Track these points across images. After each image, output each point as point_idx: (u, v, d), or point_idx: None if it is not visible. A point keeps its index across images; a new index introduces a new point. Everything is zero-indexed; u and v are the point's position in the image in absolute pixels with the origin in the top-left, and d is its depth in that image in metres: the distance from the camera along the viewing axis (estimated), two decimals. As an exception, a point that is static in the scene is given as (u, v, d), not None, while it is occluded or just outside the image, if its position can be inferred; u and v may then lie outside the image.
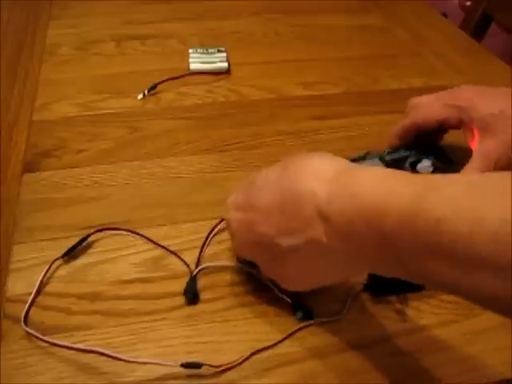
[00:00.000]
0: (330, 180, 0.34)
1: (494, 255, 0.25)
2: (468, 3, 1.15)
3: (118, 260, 0.45)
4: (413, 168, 0.50)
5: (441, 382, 0.37)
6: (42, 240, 0.46)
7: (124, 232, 0.46)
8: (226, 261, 0.45)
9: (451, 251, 0.27)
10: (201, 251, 0.45)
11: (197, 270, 0.43)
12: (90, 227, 0.47)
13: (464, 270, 0.27)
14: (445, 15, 0.95)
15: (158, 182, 0.53)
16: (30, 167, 0.54)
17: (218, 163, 0.56)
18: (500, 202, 0.26)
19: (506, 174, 0.27)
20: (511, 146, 0.48)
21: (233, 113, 0.64)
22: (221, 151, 0.58)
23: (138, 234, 0.46)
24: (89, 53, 0.76)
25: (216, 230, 0.46)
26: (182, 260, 0.44)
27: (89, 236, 0.45)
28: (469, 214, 0.26)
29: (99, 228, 0.46)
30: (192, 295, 0.41)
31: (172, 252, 0.45)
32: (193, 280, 0.42)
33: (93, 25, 0.83)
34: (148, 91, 0.65)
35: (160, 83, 0.67)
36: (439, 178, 0.30)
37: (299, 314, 0.40)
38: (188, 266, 0.44)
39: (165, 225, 0.48)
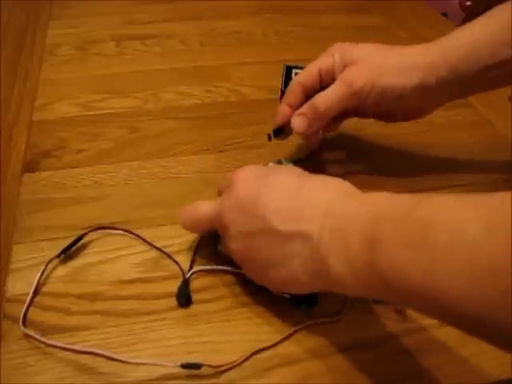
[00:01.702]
0: (343, 192, 0.37)
1: (472, 255, 0.26)
2: (468, 3, 1.15)
3: (118, 260, 0.45)
4: None
5: (441, 382, 0.37)
6: (42, 240, 0.46)
7: (121, 232, 0.46)
8: (222, 266, 0.44)
9: (432, 250, 0.28)
10: (194, 253, 0.45)
11: (189, 274, 0.43)
12: (90, 227, 0.47)
13: (441, 270, 0.27)
14: (445, 15, 0.95)
15: (158, 181, 0.53)
16: (30, 167, 0.54)
17: (218, 163, 0.56)
18: (485, 212, 0.27)
19: (493, 193, 0.28)
20: (371, 67, 0.48)
21: (233, 113, 0.64)
22: (221, 151, 0.58)
23: (134, 234, 0.46)
24: (89, 53, 0.76)
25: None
26: (175, 262, 0.44)
27: (84, 235, 0.45)
28: (453, 218, 0.28)
29: (94, 227, 0.46)
30: (185, 299, 0.41)
31: (166, 254, 0.45)
32: (185, 283, 0.42)
33: (93, 25, 0.83)
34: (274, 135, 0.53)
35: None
36: (430, 194, 0.32)
37: (303, 306, 0.40)
38: (181, 268, 0.43)
39: (164, 225, 0.48)
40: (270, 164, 0.52)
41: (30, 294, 0.41)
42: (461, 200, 0.29)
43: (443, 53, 0.48)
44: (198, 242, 0.46)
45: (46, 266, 0.43)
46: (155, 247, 0.45)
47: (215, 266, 0.44)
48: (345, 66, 0.49)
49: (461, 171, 0.55)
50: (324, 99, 0.48)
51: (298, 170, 0.41)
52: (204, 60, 0.75)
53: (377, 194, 0.35)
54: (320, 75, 0.50)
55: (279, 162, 0.53)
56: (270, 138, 0.52)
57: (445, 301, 0.27)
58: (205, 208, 0.43)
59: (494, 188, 0.53)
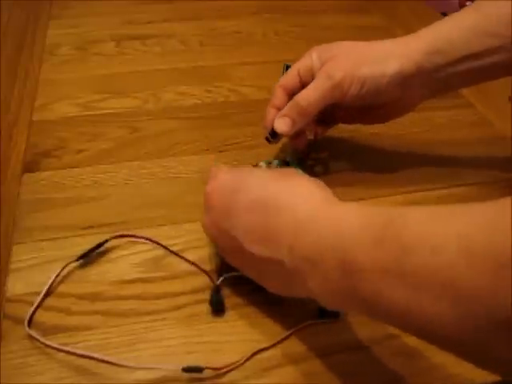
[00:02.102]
0: (315, 202, 0.35)
1: (451, 284, 0.25)
2: (468, 3, 1.15)
3: (119, 260, 0.45)
4: None
5: (440, 382, 0.37)
6: (42, 240, 0.46)
7: (143, 240, 0.45)
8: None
9: (412, 278, 0.27)
10: (222, 259, 0.43)
11: (220, 280, 0.42)
12: (90, 227, 0.47)
13: (421, 298, 0.26)
14: (445, 15, 0.95)
15: (158, 181, 0.53)
16: (30, 167, 0.54)
17: (218, 163, 0.56)
18: (459, 228, 0.26)
19: (465, 204, 0.27)
20: (352, 60, 0.48)
21: (233, 113, 0.64)
22: (221, 151, 0.58)
23: (156, 242, 0.45)
24: (89, 53, 0.76)
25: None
26: (203, 271, 0.43)
27: (105, 242, 0.45)
28: (429, 240, 0.26)
29: (116, 235, 0.45)
30: (219, 306, 0.41)
31: (195, 265, 0.43)
32: (217, 290, 0.41)
33: (93, 25, 0.83)
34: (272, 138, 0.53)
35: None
36: (402, 207, 0.31)
37: (326, 318, 0.40)
38: (210, 277, 0.42)
39: (165, 225, 0.48)
40: (261, 164, 0.52)
41: (41, 296, 0.41)
42: (435, 216, 0.28)
43: (423, 42, 0.47)
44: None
45: (61, 270, 0.43)
46: (186, 259, 0.44)
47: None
48: (323, 63, 0.49)
49: (461, 171, 0.55)
50: (305, 95, 0.48)
51: (270, 178, 0.39)
52: (204, 60, 0.75)
53: (347, 209, 0.33)
54: (299, 75, 0.50)
55: (269, 163, 0.53)
56: (269, 141, 0.52)
57: (428, 327, 0.27)
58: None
59: (494, 188, 0.53)
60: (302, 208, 0.35)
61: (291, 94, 0.50)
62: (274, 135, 0.51)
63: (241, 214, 0.37)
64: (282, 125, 0.49)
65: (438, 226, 0.27)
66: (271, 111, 0.51)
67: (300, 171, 0.43)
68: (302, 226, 0.34)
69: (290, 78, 0.51)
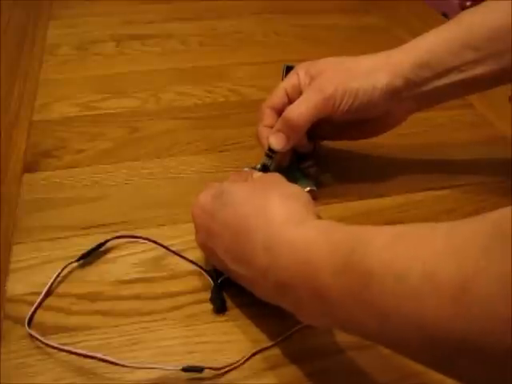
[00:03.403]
0: (279, 224, 0.35)
1: (415, 312, 0.25)
2: (468, 3, 1.15)
3: (119, 260, 0.45)
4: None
5: (439, 382, 0.37)
6: (42, 240, 0.46)
7: (143, 240, 0.45)
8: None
9: (379, 305, 0.27)
10: None
11: (220, 279, 0.42)
12: (90, 227, 0.47)
13: (389, 325, 0.26)
14: (445, 15, 0.95)
15: (158, 182, 0.53)
16: (29, 167, 0.54)
17: (218, 163, 0.56)
18: (424, 255, 0.25)
19: (432, 225, 0.27)
20: (340, 74, 0.48)
21: (233, 113, 0.64)
22: (221, 151, 0.58)
23: (157, 243, 0.44)
24: (89, 53, 0.76)
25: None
26: (205, 271, 0.43)
27: (105, 243, 0.45)
28: (394, 268, 0.26)
29: (115, 236, 0.45)
30: (220, 304, 0.41)
31: (200, 266, 0.43)
32: (217, 289, 0.42)
33: (93, 25, 0.83)
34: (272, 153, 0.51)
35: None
36: (369, 228, 0.30)
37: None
38: (212, 277, 0.42)
39: (165, 225, 0.48)
40: (245, 169, 0.51)
41: (41, 296, 0.41)
42: (400, 241, 0.27)
43: (409, 55, 0.48)
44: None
45: (61, 270, 0.43)
46: (186, 259, 0.44)
47: None
48: (311, 79, 0.49)
49: (461, 171, 0.55)
50: (296, 108, 0.48)
51: (244, 198, 0.38)
52: (204, 60, 0.75)
53: (314, 229, 0.33)
54: (287, 94, 0.50)
55: (254, 168, 0.52)
56: (271, 157, 0.50)
57: (401, 350, 0.28)
58: None
59: (493, 188, 0.53)
60: (269, 232, 0.35)
61: (280, 113, 0.49)
62: (272, 151, 0.50)
63: (220, 234, 0.38)
64: (277, 140, 0.49)
65: (402, 252, 0.26)
66: (263, 130, 0.51)
67: (283, 179, 0.41)
68: (271, 252, 0.34)
69: (278, 97, 0.51)
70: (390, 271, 0.26)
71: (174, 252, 0.44)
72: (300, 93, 0.49)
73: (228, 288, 0.42)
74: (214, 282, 0.42)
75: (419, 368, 0.37)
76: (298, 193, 0.38)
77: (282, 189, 0.39)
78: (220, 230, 0.38)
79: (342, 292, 0.29)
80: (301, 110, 0.47)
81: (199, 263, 0.44)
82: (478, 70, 0.47)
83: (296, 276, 0.32)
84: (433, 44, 0.48)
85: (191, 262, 0.43)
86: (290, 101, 0.50)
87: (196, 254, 0.45)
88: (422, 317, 0.24)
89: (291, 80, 0.51)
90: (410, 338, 0.26)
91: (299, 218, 0.35)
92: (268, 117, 0.51)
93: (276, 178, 0.42)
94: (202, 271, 0.43)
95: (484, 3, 0.49)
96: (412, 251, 0.26)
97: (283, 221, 0.35)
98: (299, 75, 0.50)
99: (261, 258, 0.34)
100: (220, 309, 0.41)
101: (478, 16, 0.48)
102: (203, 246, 0.42)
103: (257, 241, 0.35)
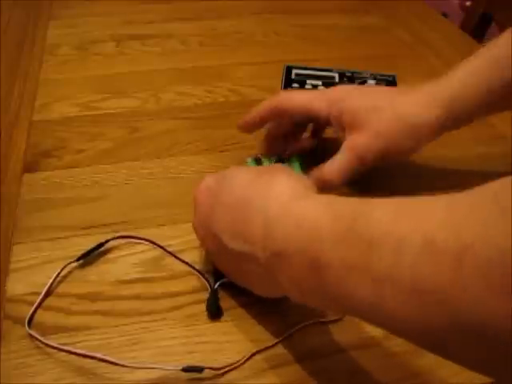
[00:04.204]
0: (282, 198, 0.35)
1: (411, 279, 0.25)
2: (468, 3, 1.15)
3: (118, 260, 0.45)
4: None
5: (439, 382, 0.37)
6: (42, 240, 0.46)
7: (144, 242, 0.45)
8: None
9: (375, 273, 0.27)
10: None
11: (217, 285, 0.42)
12: (90, 227, 0.47)
13: (384, 292, 0.26)
14: (445, 15, 0.95)
15: (158, 182, 0.53)
16: (29, 167, 0.54)
17: (218, 163, 0.56)
18: (424, 225, 0.25)
19: (434, 198, 0.27)
20: (382, 137, 0.48)
21: (233, 113, 0.64)
22: (221, 151, 0.58)
23: (157, 245, 0.45)
24: (89, 53, 0.76)
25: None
26: (201, 274, 0.43)
27: (105, 243, 0.45)
28: (394, 236, 0.26)
29: (115, 236, 0.45)
30: (215, 311, 0.40)
31: (196, 269, 0.43)
32: (214, 295, 0.41)
33: (93, 25, 0.83)
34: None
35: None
36: (371, 200, 0.30)
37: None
38: (208, 280, 0.42)
39: (164, 225, 0.48)
40: (248, 159, 0.53)
41: (41, 297, 0.41)
42: (401, 212, 0.28)
43: (443, 106, 0.48)
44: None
45: (61, 270, 0.43)
46: (184, 261, 0.44)
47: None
48: (341, 114, 0.49)
49: (460, 171, 0.55)
50: (329, 170, 0.49)
51: (251, 179, 0.39)
52: (204, 60, 0.75)
53: (315, 205, 0.33)
54: (303, 109, 0.51)
55: (257, 159, 0.53)
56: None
57: (394, 323, 0.27)
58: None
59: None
60: (272, 206, 0.35)
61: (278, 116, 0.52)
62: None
63: (221, 211, 0.38)
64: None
65: (403, 223, 0.27)
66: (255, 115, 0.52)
67: (286, 167, 0.42)
68: (272, 223, 0.34)
69: (296, 112, 0.51)
70: (390, 240, 0.26)
71: (171, 253, 0.44)
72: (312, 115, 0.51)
73: (226, 290, 0.42)
74: (210, 287, 0.42)
75: (420, 368, 0.37)
76: (302, 176, 0.39)
77: (286, 171, 0.39)
78: (222, 208, 0.38)
79: (340, 262, 0.29)
80: (335, 174, 0.48)
81: (198, 265, 0.44)
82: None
83: (295, 246, 0.32)
84: (462, 82, 0.48)
85: (188, 264, 0.44)
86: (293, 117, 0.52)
87: (195, 255, 0.45)
88: (417, 284, 0.24)
89: (314, 105, 0.50)
90: (404, 309, 0.25)
91: (302, 193, 0.36)
92: (265, 111, 0.52)
93: (280, 166, 0.42)
94: (199, 274, 0.43)
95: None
96: (413, 222, 0.26)
97: (286, 195, 0.35)
98: (325, 108, 0.50)
99: (260, 229, 0.35)
100: (215, 315, 0.40)
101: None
102: (200, 227, 0.42)
103: (258, 212, 0.35)
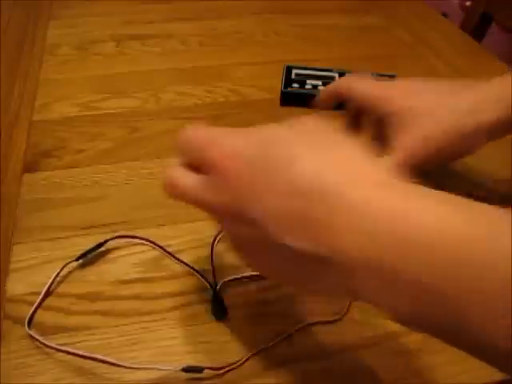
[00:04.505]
0: (366, 189, 0.27)
1: None
2: (468, 3, 1.15)
3: (118, 260, 0.45)
4: None
5: (439, 382, 0.37)
6: (42, 240, 0.46)
7: (143, 241, 0.45)
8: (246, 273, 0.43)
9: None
10: (212, 261, 0.43)
11: (219, 285, 0.42)
12: (90, 227, 0.47)
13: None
14: (445, 15, 0.95)
15: (158, 182, 0.53)
16: (29, 167, 0.54)
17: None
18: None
19: None
20: (429, 141, 0.47)
21: (233, 113, 0.64)
22: (221, 151, 0.58)
23: (156, 244, 0.45)
24: (89, 53, 0.76)
25: (219, 236, 0.45)
26: (201, 276, 0.43)
27: (104, 243, 0.45)
28: None
29: (115, 236, 0.45)
30: (221, 311, 0.40)
31: (196, 270, 0.43)
32: (216, 295, 0.41)
33: (93, 25, 0.83)
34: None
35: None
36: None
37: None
38: (208, 282, 0.42)
39: (164, 225, 0.48)
40: None
41: (41, 296, 0.41)
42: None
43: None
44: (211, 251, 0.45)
45: (61, 270, 0.43)
46: (183, 262, 0.44)
47: (242, 274, 0.42)
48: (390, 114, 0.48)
49: (460, 172, 0.55)
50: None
51: (304, 147, 0.30)
52: (204, 60, 0.75)
53: (416, 201, 0.26)
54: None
55: None
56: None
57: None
58: (186, 184, 0.35)
59: (493, 188, 0.53)
60: (353, 193, 0.27)
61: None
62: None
63: (273, 196, 0.28)
64: None
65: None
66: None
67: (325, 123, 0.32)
68: (353, 218, 0.26)
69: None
70: None
71: (170, 254, 0.44)
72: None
73: (226, 290, 0.42)
74: (211, 287, 0.42)
75: (421, 368, 0.37)
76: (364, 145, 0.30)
77: (350, 140, 0.31)
78: (274, 192, 0.28)
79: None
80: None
81: (198, 264, 0.44)
82: None
83: (403, 254, 0.25)
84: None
85: (187, 265, 0.44)
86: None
87: (195, 255, 0.45)
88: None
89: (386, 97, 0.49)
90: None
91: (388, 178, 0.28)
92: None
93: (320, 124, 0.32)
94: (198, 275, 0.43)
95: None
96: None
97: (374, 181, 0.28)
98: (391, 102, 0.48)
99: (335, 226, 0.26)
100: (221, 315, 0.40)
101: None
102: (228, 213, 0.31)
103: (334, 204, 0.27)
